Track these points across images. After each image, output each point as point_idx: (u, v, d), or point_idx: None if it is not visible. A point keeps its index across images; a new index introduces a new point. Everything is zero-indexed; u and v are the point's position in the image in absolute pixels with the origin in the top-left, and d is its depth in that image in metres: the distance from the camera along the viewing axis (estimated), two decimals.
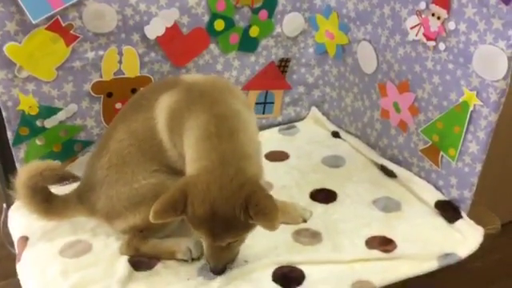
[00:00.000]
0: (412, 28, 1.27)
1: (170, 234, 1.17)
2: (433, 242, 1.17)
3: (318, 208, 1.30)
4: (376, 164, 1.46)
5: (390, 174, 1.41)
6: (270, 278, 1.08)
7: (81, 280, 1.06)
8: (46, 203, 1.17)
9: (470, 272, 1.59)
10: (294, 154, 1.54)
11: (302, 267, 1.10)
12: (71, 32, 1.24)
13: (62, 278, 1.07)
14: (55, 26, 1.21)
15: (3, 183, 1.43)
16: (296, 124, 1.70)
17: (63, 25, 1.22)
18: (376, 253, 1.14)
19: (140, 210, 1.11)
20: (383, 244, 1.16)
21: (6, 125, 1.26)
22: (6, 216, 1.39)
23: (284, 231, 1.21)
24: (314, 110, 1.71)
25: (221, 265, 1.05)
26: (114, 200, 1.14)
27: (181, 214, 0.97)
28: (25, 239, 1.20)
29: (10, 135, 1.28)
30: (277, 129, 1.68)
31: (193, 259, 1.13)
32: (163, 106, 1.11)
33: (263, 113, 1.66)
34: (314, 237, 1.20)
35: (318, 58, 1.64)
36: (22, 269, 1.14)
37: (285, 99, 1.67)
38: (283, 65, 1.62)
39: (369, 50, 1.43)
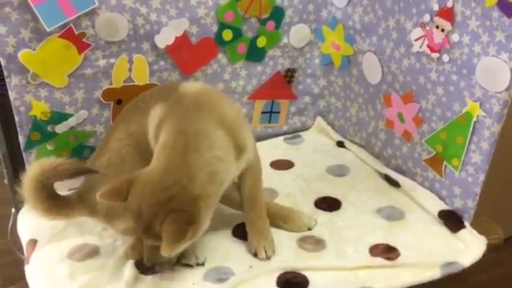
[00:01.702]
0: (416, 40, 1.29)
1: None
2: (436, 251, 1.18)
3: (322, 216, 1.31)
4: (380, 174, 1.48)
5: (394, 183, 1.42)
6: (274, 283, 1.10)
7: (88, 283, 1.08)
8: (50, 201, 1.17)
9: (474, 286, 1.60)
10: (299, 162, 1.56)
11: (306, 273, 1.12)
12: (84, 40, 1.27)
13: (69, 280, 1.09)
14: (68, 33, 1.24)
15: (13, 188, 1.46)
16: (301, 134, 1.72)
17: (76, 33, 1.25)
18: (379, 260, 1.15)
19: None
20: (386, 252, 1.17)
21: (18, 130, 1.29)
22: (15, 221, 1.42)
23: (289, 238, 1.23)
24: (319, 119, 1.73)
25: (148, 262, 1.07)
26: None
27: (124, 200, 1.01)
28: (33, 242, 1.22)
29: (21, 140, 1.30)
30: (282, 138, 1.70)
31: (197, 264, 1.15)
32: (155, 116, 1.13)
33: (269, 122, 1.68)
34: (318, 244, 1.21)
35: (323, 69, 1.66)
36: (31, 271, 1.16)
37: (290, 109, 1.69)
38: (289, 75, 1.65)
39: (374, 61, 1.46)
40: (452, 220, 1.27)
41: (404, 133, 1.41)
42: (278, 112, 1.68)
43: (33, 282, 1.12)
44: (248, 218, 1.21)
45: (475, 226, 1.25)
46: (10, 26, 1.18)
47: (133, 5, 1.31)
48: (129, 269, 1.12)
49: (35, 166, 1.16)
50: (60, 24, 1.22)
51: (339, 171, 1.51)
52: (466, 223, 1.25)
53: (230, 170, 1.07)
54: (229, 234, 1.24)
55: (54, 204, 1.18)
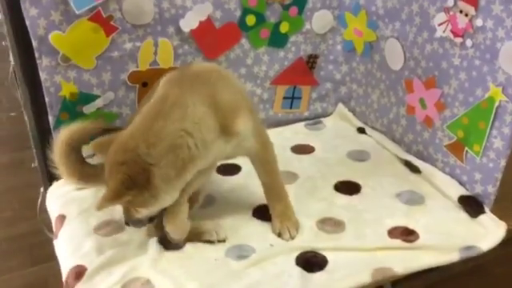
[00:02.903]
0: (440, 25, 1.29)
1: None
2: (455, 235, 1.19)
3: (342, 199, 1.33)
4: (401, 159, 1.48)
5: (415, 169, 1.43)
6: (294, 261, 1.12)
7: (114, 256, 1.12)
8: (79, 165, 1.22)
9: (494, 277, 1.59)
10: (319, 147, 1.58)
11: (325, 253, 1.14)
12: (111, 23, 1.30)
13: (96, 253, 1.13)
14: (97, 17, 1.27)
15: (42, 166, 1.51)
16: (322, 120, 1.74)
17: (104, 16, 1.28)
18: (398, 242, 1.16)
19: None
20: (405, 234, 1.19)
21: (48, 109, 1.33)
22: (44, 200, 1.47)
23: (308, 219, 1.24)
24: (340, 106, 1.75)
25: (126, 218, 1.10)
26: None
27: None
28: (62, 218, 1.27)
29: (51, 120, 1.35)
30: (303, 124, 1.72)
31: (218, 241, 1.18)
32: (161, 82, 1.14)
33: (290, 107, 1.70)
34: (337, 226, 1.23)
35: (345, 55, 1.67)
36: (60, 245, 1.20)
37: (312, 95, 1.71)
38: (311, 61, 1.66)
39: (396, 47, 1.46)
40: (472, 205, 1.27)
41: (425, 119, 1.41)
42: (300, 98, 1.70)
43: (61, 255, 1.17)
44: (269, 204, 1.23)
45: (496, 211, 1.25)
46: (42, 8, 1.22)
47: None
48: (153, 245, 1.16)
49: (65, 130, 1.21)
50: (89, 7, 1.25)
51: (360, 156, 1.53)
52: (486, 209, 1.25)
53: (204, 147, 1.05)
54: (249, 215, 1.27)
55: (82, 168, 1.23)
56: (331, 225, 1.24)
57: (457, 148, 1.32)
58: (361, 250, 1.15)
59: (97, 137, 1.22)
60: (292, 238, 1.18)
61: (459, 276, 1.18)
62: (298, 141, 1.61)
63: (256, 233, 1.21)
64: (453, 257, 1.14)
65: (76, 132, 1.20)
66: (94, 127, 1.23)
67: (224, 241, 1.18)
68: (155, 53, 1.40)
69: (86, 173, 1.24)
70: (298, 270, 1.09)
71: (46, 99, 1.32)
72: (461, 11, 1.22)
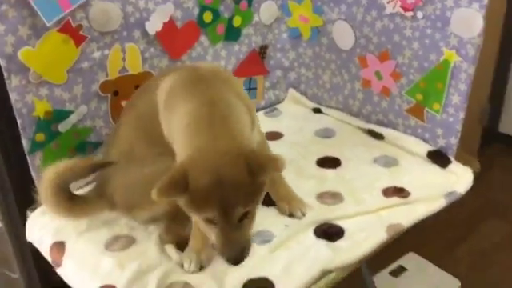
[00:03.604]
0: (389, 2, 1.43)
1: None
2: (435, 185, 1.34)
3: (329, 173, 1.41)
4: (363, 130, 1.61)
5: (379, 136, 1.56)
6: (314, 235, 1.18)
7: (140, 267, 1.08)
8: (70, 201, 1.17)
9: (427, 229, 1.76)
10: (286, 132, 1.65)
11: (338, 222, 1.22)
12: (80, 33, 1.24)
13: (119, 269, 1.08)
14: (66, 27, 1.21)
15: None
16: (277, 106, 1.81)
17: (73, 26, 1.22)
18: (395, 199, 1.28)
19: None
20: (397, 192, 1.31)
21: (21, 132, 1.22)
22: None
23: (307, 196, 1.30)
24: (291, 91, 1.83)
25: (237, 249, 0.98)
26: (129, 189, 1.16)
27: (184, 192, 0.94)
28: (60, 244, 1.18)
29: (25, 143, 1.24)
30: (262, 112, 1.77)
31: None
32: (165, 86, 1.13)
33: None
34: (335, 197, 1.31)
35: (292, 42, 1.75)
36: (68, 272, 1.13)
37: (265, 84, 1.77)
38: (263, 51, 1.72)
39: (345, 28, 1.58)
40: (439, 158, 1.43)
41: (382, 89, 1.55)
42: (255, 88, 1.76)
43: (77, 281, 1.10)
44: (270, 190, 1.25)
45: (457, 160, 1.43)
46: (8, 24, 1.13)
47: None
48: (172, 250, 1.14)
49: (50, 171, 1.15)
50: (58, 18, 1.18)
51: (326, 134, 1.63)
52: (451, 158, 1.42)
53: None
54: None
55: (74, 204, 1.18)
56: (329, 197, 1.31)
57: (417, 110, 1.48)
58: (366, 213, 1.24)
59: (86, 174, 1.19)
60: (303, 214, 1.24)
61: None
62: (264, 129, 1.61)
63: (266, 218, 1.23)
64: (441, 203, 1.28)
65: (64, 172, 1.14)
66: (82, 166, 1.17)
67: None
68: (123, 59, 1.36)
69: (78, 207, 1.19)
70: (322, 241, 1.16)
71: (19, 121, 1.22)
72: None
